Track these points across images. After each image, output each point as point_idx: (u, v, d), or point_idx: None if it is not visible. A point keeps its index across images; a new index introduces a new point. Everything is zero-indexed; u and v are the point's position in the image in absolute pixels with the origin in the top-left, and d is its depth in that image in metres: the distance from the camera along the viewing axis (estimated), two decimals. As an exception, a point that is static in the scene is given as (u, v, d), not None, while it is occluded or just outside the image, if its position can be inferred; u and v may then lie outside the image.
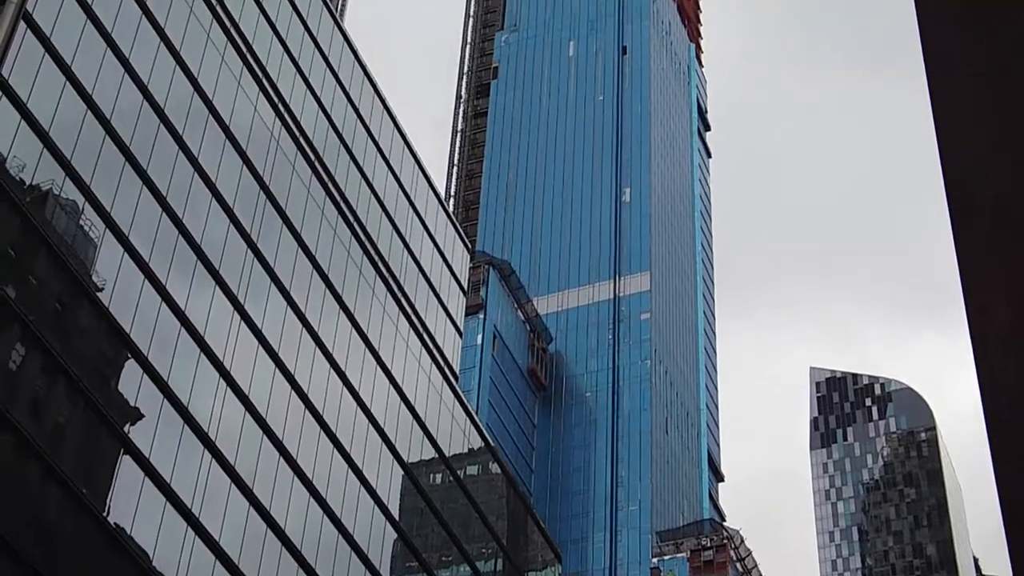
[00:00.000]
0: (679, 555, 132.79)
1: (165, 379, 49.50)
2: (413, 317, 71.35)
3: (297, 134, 64.17)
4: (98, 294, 47.50)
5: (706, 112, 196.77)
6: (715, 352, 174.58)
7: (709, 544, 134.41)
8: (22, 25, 46.54)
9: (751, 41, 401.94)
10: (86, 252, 48.04)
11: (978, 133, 10.33)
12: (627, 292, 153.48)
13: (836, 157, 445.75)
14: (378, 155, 72.67)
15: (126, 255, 49.07)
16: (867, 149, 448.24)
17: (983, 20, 10.16)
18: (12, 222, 44.90)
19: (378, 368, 65.83)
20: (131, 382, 48.45)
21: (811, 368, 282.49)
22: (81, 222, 47.80)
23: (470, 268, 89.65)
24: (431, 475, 70.57)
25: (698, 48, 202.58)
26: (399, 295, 70.39)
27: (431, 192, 79.19)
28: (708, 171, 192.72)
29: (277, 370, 57.38)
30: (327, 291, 63.06)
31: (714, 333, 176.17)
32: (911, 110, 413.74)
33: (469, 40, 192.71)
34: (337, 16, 73.43)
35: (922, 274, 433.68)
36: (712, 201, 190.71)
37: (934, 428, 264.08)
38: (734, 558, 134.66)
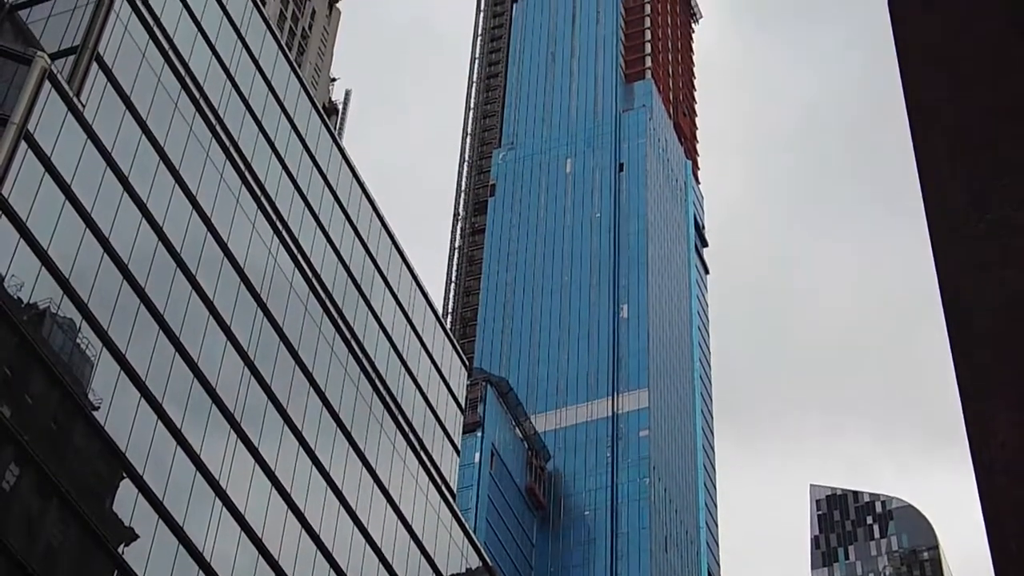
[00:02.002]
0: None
1: (160, 499, 49.08)
2: (411, 435, 70.98)
3: (295, 251, 64.35)
4: (94, 413, 47.27)
5: (703, 229, 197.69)
6: (714, 470, 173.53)
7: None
8: (23, 145, 46.90)
9: (750, 160, 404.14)
10: (83, 371, 47.89)
11: (977, 271, 10.33)
12: (625, 409, 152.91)
13: (839, 279, 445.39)
14: (376, 272, 72.84)
15: (123, 374, 48.93)
16: (873, 271, 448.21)
17: (977, 155, 10.27)
18: (9, 341, 44.82)
19: (375, 487, 65.34)
20: (126, 502, 48.04)
21: (811, 485, 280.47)
22: (78, 340, 47.73)
23: (468, 385, 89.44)
24: (428, 596, 69.70)
25: (695, 165, 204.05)
26: (396, 412, 70.10)
27: (429, 309, 79.25)
28: (706, 287, 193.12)
29: (274, 490, 56.93)
30: (324, 409, 62.78)
31: (713, 450, 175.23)
32: (918, 237, 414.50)
33: (467, 157, 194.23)
34: (336, 136, 74.01)
35: (924, 401, 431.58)
36: (710, 318, 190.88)
37: (936, 547, 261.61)
38: None
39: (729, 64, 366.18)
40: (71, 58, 51.81)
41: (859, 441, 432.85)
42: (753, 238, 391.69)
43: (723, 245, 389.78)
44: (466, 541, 73.89)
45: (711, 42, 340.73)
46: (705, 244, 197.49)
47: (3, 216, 45.33)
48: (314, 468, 60.48)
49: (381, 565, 63.59)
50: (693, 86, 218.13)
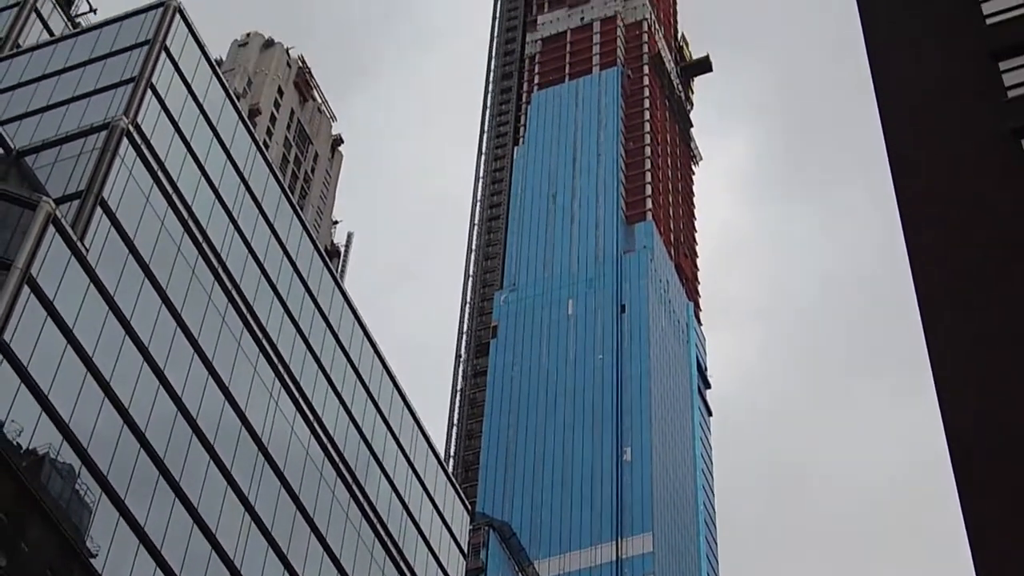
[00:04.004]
0: None
1: (157, 649, 48.15)
2: (412, 581, 69.95)
3: (295, 393, 63.99)
4: (92, 560, 46.55)
5: (706, 370, 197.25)
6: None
7: None
8: (25, 289, 46.83)
9: (764, 320, 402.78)
10: (81, 517, 47.23)
11: (981, 410, 10.23)
12: (630, 554, 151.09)
13: (852, 439, 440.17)
14: (377, 416, 72.37)
15: (121, 520, 48.29)
16: (889, 434, 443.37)
17: (975, 294, 10.23)
18: (7, 487, 44.27)
19: (376, 635, 64.21)
20: (122, 652, 47.09)
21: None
22: (77, 486, 47.16)
23: (470, 530, 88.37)
24: None
25: (696, 307, 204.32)
26: (398, 558, 69.13)
27: (430, 453, 78.60)
28: (709, 430, 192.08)
29: (273, 638, 55.91)
30: (324, 555, 61.90)
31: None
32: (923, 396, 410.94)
33: (469, 299, 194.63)
34: (338, 279, 74.06)
35: (933, 553, 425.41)
36: (714, 461, 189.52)
37: None
38: None
39: (743, 230, 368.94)
40: (76, 203, 52.02)
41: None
42: (763, 395, 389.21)
43: (729, 395, 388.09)
44: None
45: (727, 209, 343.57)
46: (708, 386, 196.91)
47: (4, 361, 45.08)
48: (314, 616, 59.46)
49: None
50: (694, 227, 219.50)
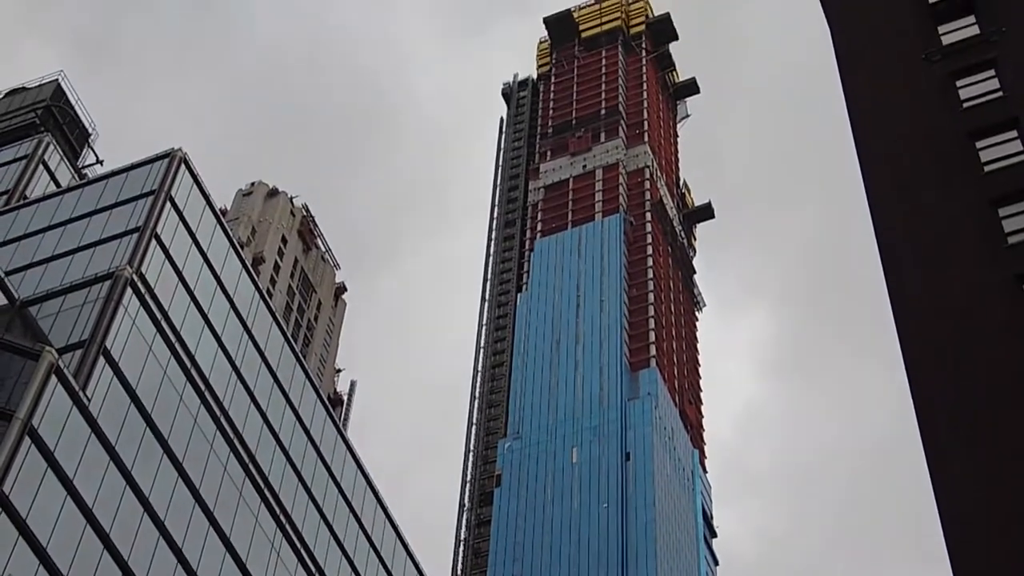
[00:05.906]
0: None
1: None
2: None
3: (296, 543, 63.27)
4: None
5: (712, 519, 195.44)
6: None
7: None
8: (26, 440, 46.56)
9: (782, 488, 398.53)
10: (77, 673, 46.39)
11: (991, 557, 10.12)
12: None
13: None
14: (380, 567, 71.48)
15: (119, 676, 47.47)
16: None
17: (978, 440, 10.19)
18: (2, 643, 43.57)
19: None
20: None
21: None
22: (74, 641, 46.38)
23: None
24: None
25: (702, 454, 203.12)
26: None
27: (434, 604, 77.60)
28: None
29: None
30: None
31: None
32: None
33: (472, 447, 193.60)
34: (341, 428, 73.71)
35: None
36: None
37: None
38: None
39: (753, 391, 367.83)
40: (78, 352, 51.98)
41: None
42: (773, 551, 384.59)
43: (737, 547, 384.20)
44: None
45: (736, 371, 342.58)
46: (714, 534, 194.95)
47: (3, 513, 44.64)
48: None
49: None
50: (698, 374, 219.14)
